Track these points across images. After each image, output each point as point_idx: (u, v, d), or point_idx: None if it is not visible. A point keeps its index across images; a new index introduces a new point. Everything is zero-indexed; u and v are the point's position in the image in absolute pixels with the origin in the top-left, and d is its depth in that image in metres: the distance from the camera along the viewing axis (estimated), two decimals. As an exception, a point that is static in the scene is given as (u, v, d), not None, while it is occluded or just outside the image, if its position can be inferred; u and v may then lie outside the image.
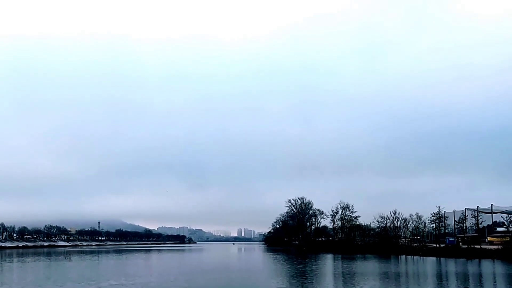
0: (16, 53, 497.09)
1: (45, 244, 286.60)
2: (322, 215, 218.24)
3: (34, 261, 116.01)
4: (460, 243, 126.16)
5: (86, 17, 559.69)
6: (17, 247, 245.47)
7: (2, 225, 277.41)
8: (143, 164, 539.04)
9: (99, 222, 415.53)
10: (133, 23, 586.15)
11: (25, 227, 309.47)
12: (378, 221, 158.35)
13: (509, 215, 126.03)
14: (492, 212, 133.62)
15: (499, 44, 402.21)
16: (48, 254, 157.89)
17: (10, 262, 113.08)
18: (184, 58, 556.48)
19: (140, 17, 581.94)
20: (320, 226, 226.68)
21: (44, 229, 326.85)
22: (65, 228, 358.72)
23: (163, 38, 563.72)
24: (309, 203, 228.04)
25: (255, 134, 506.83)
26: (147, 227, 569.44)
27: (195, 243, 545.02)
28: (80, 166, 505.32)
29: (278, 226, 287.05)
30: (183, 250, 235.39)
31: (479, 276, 69.58)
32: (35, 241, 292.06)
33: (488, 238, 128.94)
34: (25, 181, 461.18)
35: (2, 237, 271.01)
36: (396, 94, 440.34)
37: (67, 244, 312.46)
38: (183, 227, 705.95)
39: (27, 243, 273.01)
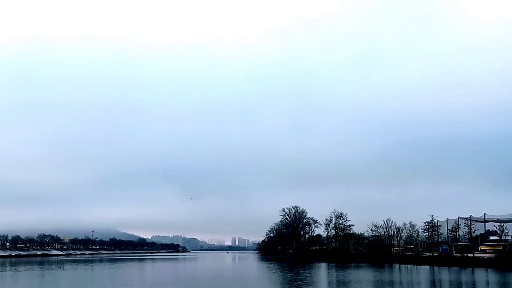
0: (19, 56, 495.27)
1: (38, 253, 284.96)
2: (316, 224, 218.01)
3: (26, 270, 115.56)
4: (453, 252, 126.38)
5: (88, 21, 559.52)
6: (10, 256, 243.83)
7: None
8: (137, 173, 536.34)
9: (92, 231, 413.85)
10: (131, 27, 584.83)
11: (18, 236, 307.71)
12: (371, 229, 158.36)
13: (502, 224, 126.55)
14: (484, 221, 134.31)
15: (497, 51, 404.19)
16: (41, 263, 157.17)
17: (2, 271, 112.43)
18: (180, 63, 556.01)
19: (139, 22, 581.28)
20: (314, 234, 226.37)
21: (38, 238, 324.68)
22: (58, 237, 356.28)
23: (160, 43, 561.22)
24: (303, 212, 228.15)
25: (250, 140, 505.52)
26: (141, 236, 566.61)
27: (189, 252, 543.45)
28: (74, 175, 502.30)
29: (272, 235, 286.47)
30: (177, 259, 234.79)
31: (472, 284, 69.87)
32: (28, 250, 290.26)
33: (481, 247, 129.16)
34: (18, 190, 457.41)
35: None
36: (392, 101, 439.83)
37: (60, 253, 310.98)
38: (177, 235, 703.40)
39: (20, 252, 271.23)
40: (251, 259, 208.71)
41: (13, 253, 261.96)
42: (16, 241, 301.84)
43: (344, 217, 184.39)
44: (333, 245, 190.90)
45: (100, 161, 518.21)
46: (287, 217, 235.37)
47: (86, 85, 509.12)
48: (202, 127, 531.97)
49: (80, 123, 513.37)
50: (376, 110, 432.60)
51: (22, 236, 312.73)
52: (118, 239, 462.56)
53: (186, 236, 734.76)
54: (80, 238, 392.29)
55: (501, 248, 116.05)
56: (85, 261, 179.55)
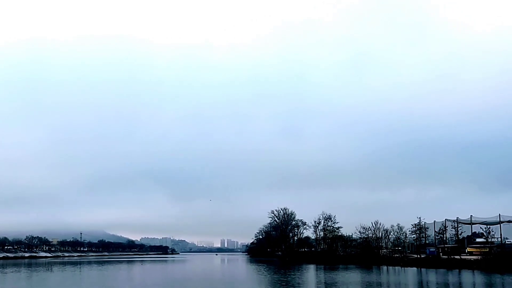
0: (13, 59, 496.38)
1: (26, 255, 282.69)
2: (304, 226, 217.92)
3: (13, 272, 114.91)
4: (441, 254, 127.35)
5: (81, 23, 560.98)
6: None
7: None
8: (126, 174, 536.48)
9: (81, 233, 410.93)
10: (125, 30, 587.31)
11: (5, 238, 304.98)
12: (360, 232, 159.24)
13: (488, 226, 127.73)
14: (471, 223, 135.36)
15: (486, 58, 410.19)
16: (29, 265, 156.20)
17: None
18: (171, 66, 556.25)
19: (131, 25, 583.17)
20: (303, 236, 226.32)
21: (25, 240, 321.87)
22: (46, 239, 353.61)
23: (151, 46, 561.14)
24: (292, 214, 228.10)
25: (240, 143, 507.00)
26: (129, 238, 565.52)
27: (178, 253, 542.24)
28: (62, 176, 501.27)
29: (261, 237, 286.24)
30: (165, 261, 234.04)
31: (459, 286, 70.58)
32: (15, 252, 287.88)
33: (468, 249, 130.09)
34: (6, 191, 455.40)
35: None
36: (381, 105, 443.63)
37: (48, 255, 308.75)
38: (166, 237, 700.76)
39: (7, 254, 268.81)
40: (240, 261, 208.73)
41: (0, 255, 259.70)
42: (3, 243, 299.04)
43: (332, 219, 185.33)
44: (321, 247, 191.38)
45: (89, 163, 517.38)
46: (276, 219, 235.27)
47: (77, 87, 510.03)
48: (193, 130, 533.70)
49: (70, 124, 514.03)
50: (366, 115, 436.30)
51: (10, 238, 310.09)
52: (106, 241, 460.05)
53: (175, 238, 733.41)
54: (68, 240, 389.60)
55: (488, 250, 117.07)
56: (73, 263, 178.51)
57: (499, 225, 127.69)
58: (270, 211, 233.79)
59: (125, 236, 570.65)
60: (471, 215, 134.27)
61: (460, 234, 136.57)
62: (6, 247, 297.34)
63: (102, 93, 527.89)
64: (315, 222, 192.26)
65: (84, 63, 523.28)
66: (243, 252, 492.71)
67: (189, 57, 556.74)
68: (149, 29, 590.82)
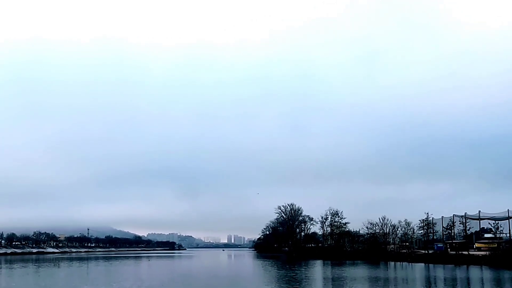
0: (19, 58, 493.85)
1: (34, 251, 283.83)
2: (311, 222, 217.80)
3: (21, 267, 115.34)
4: (448, 250, 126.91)
5: (87, 23, 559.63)
6: (5, 253, 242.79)
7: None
8: (133, 171, 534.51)
9: (88, 229, 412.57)
10: (130, 29, 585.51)
11: (13, 234, 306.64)
12: (367, 227, 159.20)
13: (497, 222, 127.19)
14: (479, 219, 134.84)
15: (495, 55, 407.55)
16: (37, 261, 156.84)
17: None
18: (178, 65, 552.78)
19: (137, 24, 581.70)
20: (310, 232, 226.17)
21: (33, 235, 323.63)
22: (54, 235, 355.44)
23: (159, 44, 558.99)
24: (299, 210, 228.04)
25: (247, 141, 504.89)
26: (136, 234, 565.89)
27: (185, 249, 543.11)
28: (70, 173, 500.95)
29: (268, 233, 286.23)
30: (172, 256, 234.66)
31: (467, 282, 70.20)
32: (23, 248, 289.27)
33: (476, 244, 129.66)
34: (14, 188, 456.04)
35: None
36: (389, 103, 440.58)
37: (56, 250, 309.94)
38: (172, 233, 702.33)
39: (15, 250, 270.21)
40: (247, 257, 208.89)
41: (8, 250, 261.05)
42: (11, 239, 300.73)
43: (339, 214, 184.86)
44: (328, 243, 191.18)
45: (97, 161, 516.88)
46: (283, 214, 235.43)
47: (84, 87, 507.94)
48: (199, 128, 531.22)
49: (78, 124, 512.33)
50: (373, 112, 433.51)
51: (18, 234, 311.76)
52: (113, 236, 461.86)
53: (182, 234, 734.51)
54: (75, 236, 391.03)
55: (496, 245, 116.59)
56: (81, 259, 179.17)
57: (507, 220, 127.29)
58: (277, 207, 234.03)
59: (132, 232, 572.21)
60: (479, 211, 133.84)
61: (468, 230, 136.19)
62: (14, 243, 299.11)
63: (109, 93, 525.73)
64: (322, 217, 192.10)
65: (91, 64, 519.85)
66: (250, 247, 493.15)
67: (195, 56, 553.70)
68: (154, 29, 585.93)
